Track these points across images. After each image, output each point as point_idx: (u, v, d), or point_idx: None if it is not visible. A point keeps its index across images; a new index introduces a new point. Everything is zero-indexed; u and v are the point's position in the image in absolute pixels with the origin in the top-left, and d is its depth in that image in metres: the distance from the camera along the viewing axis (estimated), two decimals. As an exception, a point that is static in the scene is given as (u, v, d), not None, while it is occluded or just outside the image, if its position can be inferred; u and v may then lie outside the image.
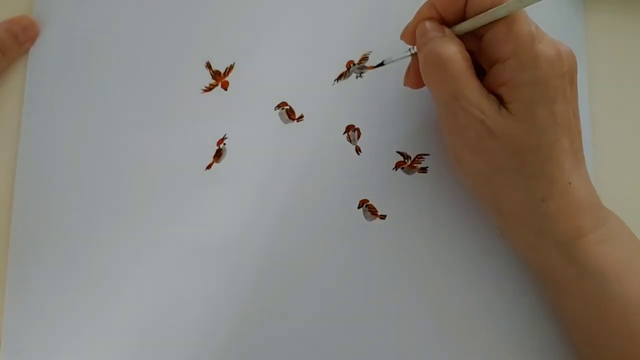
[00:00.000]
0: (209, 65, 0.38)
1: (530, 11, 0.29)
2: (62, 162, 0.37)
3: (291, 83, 0.38)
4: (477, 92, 0.30)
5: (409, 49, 0.34)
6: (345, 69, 0.38)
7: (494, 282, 0.37)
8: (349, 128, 0.38)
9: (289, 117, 0.38)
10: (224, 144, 0.37)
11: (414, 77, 0.34)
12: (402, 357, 0.36)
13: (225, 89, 0.38)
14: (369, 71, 0.38)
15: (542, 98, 0.30)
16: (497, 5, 0.30)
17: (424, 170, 0.37)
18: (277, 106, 0.38)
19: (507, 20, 0.30)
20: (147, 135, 0.37)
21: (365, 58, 0.38)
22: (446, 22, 0.32)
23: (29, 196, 0.36)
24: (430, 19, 0.32)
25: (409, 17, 0.33)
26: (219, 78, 0.38)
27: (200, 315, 0.36)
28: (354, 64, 0.38)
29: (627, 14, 0.40)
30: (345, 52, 0.38)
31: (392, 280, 0.36)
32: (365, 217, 0.37)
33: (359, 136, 0.38)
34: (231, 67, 0.38)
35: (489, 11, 0.30)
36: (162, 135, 0.37)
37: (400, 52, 0.34)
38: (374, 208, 0.37)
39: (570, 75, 0.31)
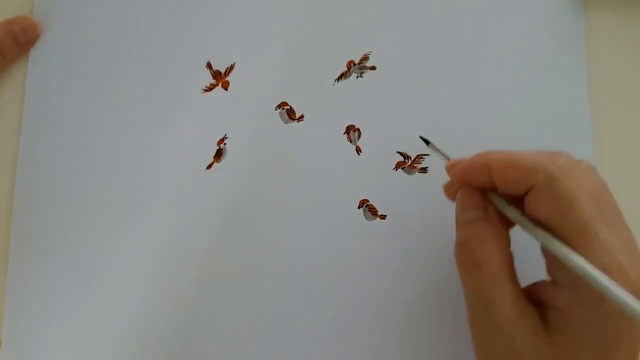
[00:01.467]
0: (209, 65, 0.38)
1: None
2: (62, 162, 0.37)
3: (291, 83, 0.38)
4: (510, 302, 0.27)
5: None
6: (345, 69, 0.38)
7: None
8: (349, 128, 0.38)
9: (289, 117, 0.38)
10: (224, 144, 0.37)
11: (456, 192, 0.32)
12: (402, 356, 0.36)
13: (226, 89, 0.38)
14: (369, 71, 0.38)
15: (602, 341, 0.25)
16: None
17: (424, 170, 0.37)
18: (277, 106, 0.38)
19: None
20: (147, 135, 0.37)
21: (365, 58, 0.38)
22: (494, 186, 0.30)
23: (29, 196, 0.36)
24: (475, 187, 0.30)
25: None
26: (220, 78, 0.38)
27: (200, 313, 0.36)
28: (354, 64, 0.38)
29: (628, 14, 0.40)
30: (345, 52, 0.38)
31: (393, 281, 0.36)
32: (365, 217, 0.37)
33: (359, 136, 0.38)
34: (231, 67, 0.38)
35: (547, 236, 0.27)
36: (162, 135, 0.37)
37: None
38: (374, 208, 0.37)
39: None
